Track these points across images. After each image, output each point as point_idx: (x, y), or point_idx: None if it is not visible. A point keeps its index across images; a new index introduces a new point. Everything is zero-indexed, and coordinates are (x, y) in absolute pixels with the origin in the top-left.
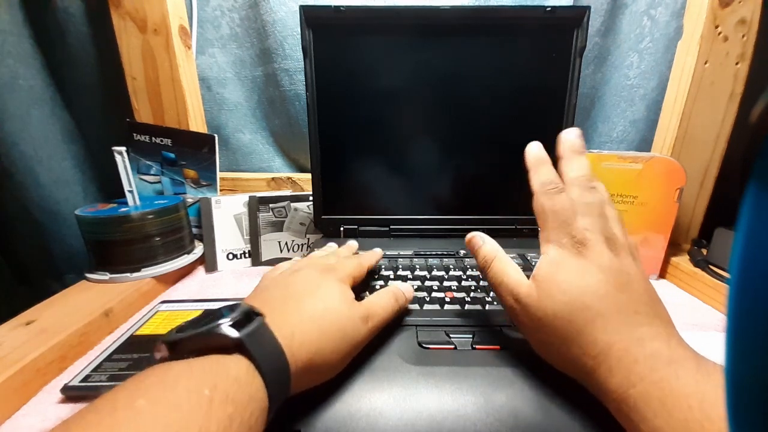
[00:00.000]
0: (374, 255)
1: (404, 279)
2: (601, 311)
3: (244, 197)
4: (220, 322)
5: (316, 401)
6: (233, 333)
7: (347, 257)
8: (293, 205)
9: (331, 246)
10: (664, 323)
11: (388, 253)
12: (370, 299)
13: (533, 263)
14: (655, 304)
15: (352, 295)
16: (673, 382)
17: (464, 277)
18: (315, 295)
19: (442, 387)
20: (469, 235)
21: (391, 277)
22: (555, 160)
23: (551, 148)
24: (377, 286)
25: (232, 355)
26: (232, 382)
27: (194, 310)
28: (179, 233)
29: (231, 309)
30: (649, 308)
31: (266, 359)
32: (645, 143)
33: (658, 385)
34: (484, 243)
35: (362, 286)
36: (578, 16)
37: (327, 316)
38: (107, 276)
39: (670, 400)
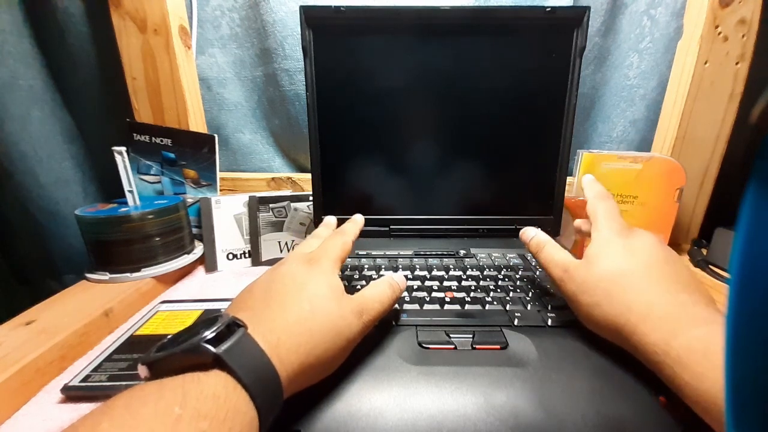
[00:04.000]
0: (356, 225)
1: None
2: (646, 276)
3: (244, 197)
4: (199, 337)
5: (316, 401)
6: (211, 349)
7: (330, 237)
8: (293, 205)
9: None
10: (704, 295)
11: (388, 253)
12: (364, 293)
13: (533, 263)
14: (695, 279)
15: (342, 288)
16: (714, 337)
17: (464, 277)
18: (301, 294)
19: (442, 387)
20: (523, 229)
21: None
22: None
23: (550, 148)
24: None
25: (211, 371)
26: (206, 399)
27: (194, 310)
28: (179, 233)
29: (213, 321)
30: (689, 281)
31: (249, 372)
32: (645, 143)
33: (701, 339)
34: (537, 233)
35: (359, 279)
36: (578, 16)
37: (316, 317)
38: (107, 276)
39: (712, 351)
